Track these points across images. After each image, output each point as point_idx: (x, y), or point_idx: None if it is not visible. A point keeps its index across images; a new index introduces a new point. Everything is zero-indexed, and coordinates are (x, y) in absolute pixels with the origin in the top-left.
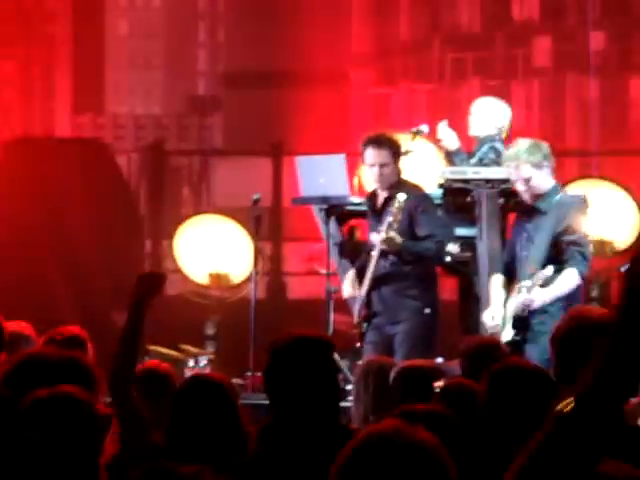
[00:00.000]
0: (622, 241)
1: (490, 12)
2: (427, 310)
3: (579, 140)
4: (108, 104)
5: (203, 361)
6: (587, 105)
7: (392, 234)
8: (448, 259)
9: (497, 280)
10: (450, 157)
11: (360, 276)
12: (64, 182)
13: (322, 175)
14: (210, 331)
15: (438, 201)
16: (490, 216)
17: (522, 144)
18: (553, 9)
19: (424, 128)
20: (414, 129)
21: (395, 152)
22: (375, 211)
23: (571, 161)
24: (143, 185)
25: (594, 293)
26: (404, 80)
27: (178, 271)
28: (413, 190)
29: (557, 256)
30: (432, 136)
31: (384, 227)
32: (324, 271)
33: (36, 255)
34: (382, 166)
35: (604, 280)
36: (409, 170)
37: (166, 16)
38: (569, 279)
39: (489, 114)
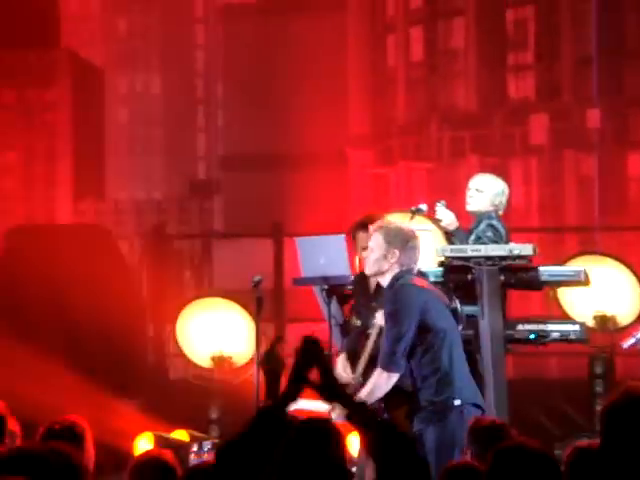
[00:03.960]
0: (624, 316)
1: (486, 91)
2: None
3: (578, 216)
4: (109, 190)
5: (207, 446)
6: (585, 181)
7: None
8: None
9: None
10: (449, 235)
11: (352, 357)
12: (66, 268)
13: (322, 255)
14: (214, 415)
15: (439, 279)
16: (491, 293)
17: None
18: (548, 88)
19: (423, 207)
20: (413, 208)
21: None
22: (367, 292)
23: (571, 237)
24: (145, 269)
25: (598, 370)
26: (402, 159)
27: (181, 355)
28: None
29: None
30: (431, 214)
31: None
32: (326, 352)
33: (41, 341)
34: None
35: (608, 356)
36: None
37: (165, 102)
38: (375, 383)
39: (486, 191)
